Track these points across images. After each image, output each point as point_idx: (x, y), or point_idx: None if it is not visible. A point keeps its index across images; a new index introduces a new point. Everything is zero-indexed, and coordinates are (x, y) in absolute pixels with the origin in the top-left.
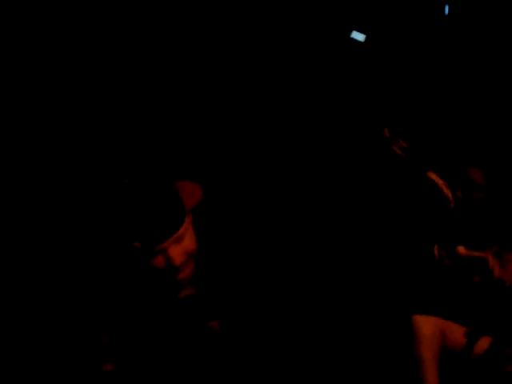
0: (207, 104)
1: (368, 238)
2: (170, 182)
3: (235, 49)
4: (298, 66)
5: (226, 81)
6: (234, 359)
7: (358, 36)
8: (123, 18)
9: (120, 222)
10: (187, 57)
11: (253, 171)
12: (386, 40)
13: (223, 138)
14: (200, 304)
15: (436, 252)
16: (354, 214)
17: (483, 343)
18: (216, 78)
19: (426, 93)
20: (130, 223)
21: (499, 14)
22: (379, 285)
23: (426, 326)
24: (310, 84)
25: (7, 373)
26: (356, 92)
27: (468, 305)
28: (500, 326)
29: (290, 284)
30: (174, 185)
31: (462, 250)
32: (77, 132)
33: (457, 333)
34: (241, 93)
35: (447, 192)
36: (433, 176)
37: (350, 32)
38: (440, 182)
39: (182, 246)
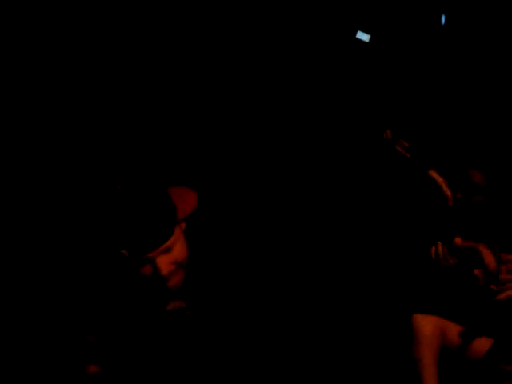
0: (205, 108)
1: (368, 236)
2: (164, 190)
3: (236, 49)
4: (302, 66)
5: (225, 83)
6: (220, 368)
7: (363, 36)
8: (121, 19)
9: (109, 229)
10: (182, 62)
11: (251, 177)
12: (390, 40)
13: (220, 143)
14: (187, 317)
15: (433, 251)
16: (355, 214)
17: (483, 344)
18: (213, 82)
19: (429, 94)
20: (119, 231)
21: (499, 13)
22: (379, 284)
23: (426, 325)
24: (315, 84)
25: None
26: (360, 92)
27: (467, 305)
28: (500, 326)
29: (286, 292)
30: (167, 193)
31: (458, 240)
32: (71, 136)
33: (457, 332)
34: (241, 94)
35: (446, 190)
36: (433, 174)
37: (355, 32)
38: (440, 180)
39: (170, 256)
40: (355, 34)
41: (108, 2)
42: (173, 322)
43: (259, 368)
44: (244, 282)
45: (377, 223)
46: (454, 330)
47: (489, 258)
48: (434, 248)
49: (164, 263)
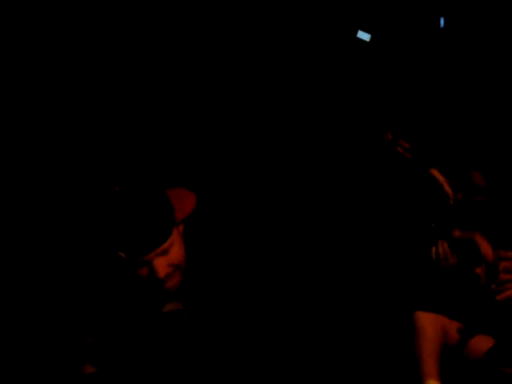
0: (205, 109)
1: (369, 236)
2: (162, 191)
3: (236, 48)
4: (302, 66)
5: (224, 83)
6: (216, 369)
7: (364, 36)
8: (121, 18)
9: (107, 230)
10: (178, 63)
11: (250, 179)
12: (391, 40)
13: (220, 145)
14: (184, 318)
15: (434, 251)
16: (356, 214)
17: (483, 343)
18: (212, 82)
19: (429, 95)
20: (116, 232)
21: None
22: (381, 281)
23: (428, 322)
24: (315, 84)
25: None
26: (361, 92)
27: (468, 304)
28: (500, 326)
29: (285, 294)
30: (165, 194)
31: (457, 233)
32: (69, 137)
33: (457, 331)
34: (240, 94)
35: (448, 189)
36: (434, 172)
37: (356, 31)
38: (441, 178)
39: (167, 258)
40: (356, 33)
41: (108, 2)
42: (169, 324)
43: (256, 369)
44: (242, 285)
45: (378, 223)
46: (455, 328)
47: (485, 247)
48: (434, 248)
49: (161, 265)
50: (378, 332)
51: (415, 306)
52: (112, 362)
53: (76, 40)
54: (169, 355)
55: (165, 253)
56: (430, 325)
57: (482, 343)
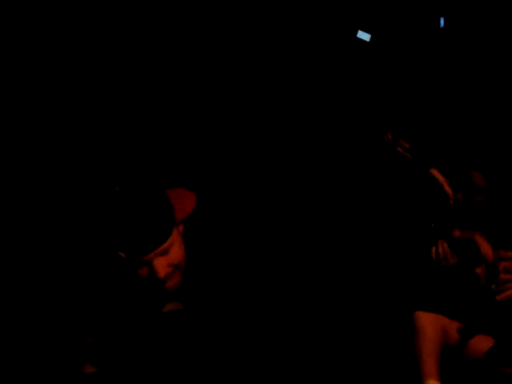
0: (205, 109)
1: (370, 236)
2: (163, 191)
3: (235, 48)
4: (302, 66)
5: (223, 83)
6: (216, 369)
7: (364, 36)
8: (120, 18)
9: (107, 230)
10: (177, 64)
11: (250, 179)
12: (392, 39)
13: (220, 145)
14: (184, 318)
15: (434, 251)
16: (357, 214)
17: (483, 343)
18: (211, 82)
19: (429, 95)
20: (116, 232)
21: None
22: (380, 283)
23: (428, 322)
24: (315, 84)
25: None
26: (361, 92)
27: (468, 304)
28: (500, 326)
29: (284, 294)
30: (166, 194)
31: (457, 232)
32: (69, 137)
33: (458, 331)
34: (240, 94)
35: (448, 189)
36: (434, 172)
37: (356, 31)
38: (441, 178)
39: (167, 258)
40: (356, 33)
41: (108, 1)
42: (169, 324)
43: (256, 369)
44: (242, 285)
45: (378, 223)
46: (455, 328)
47: (485, 247)
48: (434, 248)
49: (161, 265)
50: (378, 332)
51: (415, 305)
52: (112, 362)
53: (76, 40)
54: (169, 355)
55: (165, 253)
56: (430, 325)
57: (482, 343)
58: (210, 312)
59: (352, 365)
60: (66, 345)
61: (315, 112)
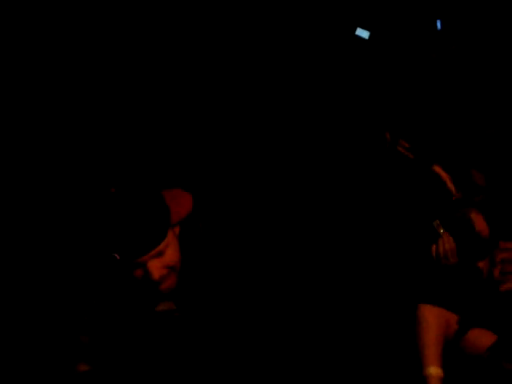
0: (201, 109)
1: (371, 235)
2: (158, 193)
3: (235, 47)
4: (301, 64)
5: (222, 83)
6: (209, 369)
7: (363, 33)
8: (120, 18)
9: (102, 232)
10: (177, 64)
11: (247, 180)
12: (391, 37)
13: (217, 146)
14: (177, 318)
15: (434, 250)
16: (357, 214)
17: (485, 338)
18: (211, 82)
19: (428, 94)
20: (111, 234)
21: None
22: (381, 281)
23: (431, 314)
24: (314, 82)
25: None
26: (360, 90)
27: (471, 299)
28: (502, 320)
29: (280, 295)
30: (161, 195)
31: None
32: (65, 138)
33: (460, 324)
34: (239, 94)
35: (451, 186)
36: (437, 169)
37: (355, 29)
38: (444, 175)
39: (162, 260)
40: (355, 30)
41: (108, 1)
42: (162, 324)
43: (250, 369)
44: (237, 286)
45: (379, 221)
46: (457, 322)
47: (479, 223)
48: (434, 246)
49: (156, 267)
50: (380, 329)
51: (417, 302)
52: (106, 361)
53: (76, 40)
54: (162, 354)
55: (160, 255)
56: (433, 316)
57: (484, 339)
58: (203, 312)
59: (352, 363)
60: (61, 343)
61: (314, 110)
